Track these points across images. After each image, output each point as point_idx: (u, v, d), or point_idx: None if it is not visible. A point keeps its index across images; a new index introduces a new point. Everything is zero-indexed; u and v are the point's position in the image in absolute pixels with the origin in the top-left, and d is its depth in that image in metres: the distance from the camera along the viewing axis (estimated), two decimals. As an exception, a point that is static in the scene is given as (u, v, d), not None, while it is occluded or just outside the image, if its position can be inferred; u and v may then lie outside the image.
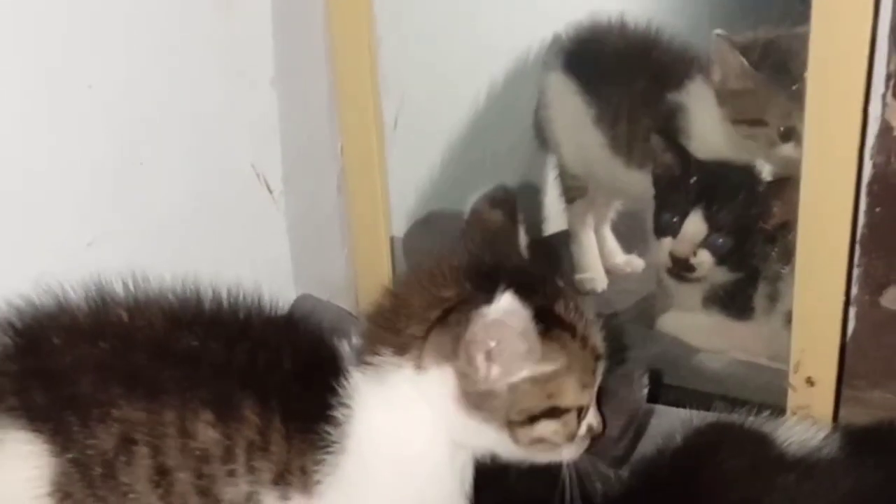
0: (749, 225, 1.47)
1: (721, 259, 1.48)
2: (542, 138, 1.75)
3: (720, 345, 1.48)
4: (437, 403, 0.91)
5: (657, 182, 1.53)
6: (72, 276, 1.14)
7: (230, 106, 1.39)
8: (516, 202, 1.02)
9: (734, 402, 1.24)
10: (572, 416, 0.93)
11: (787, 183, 1.37)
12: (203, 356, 0.92)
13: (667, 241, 1.50)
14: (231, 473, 0.89)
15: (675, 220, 1.49)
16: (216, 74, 1.37)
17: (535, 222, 1.83)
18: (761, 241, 1.47)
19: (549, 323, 0.89)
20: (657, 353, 1.46)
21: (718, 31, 1.45)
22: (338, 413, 0.92)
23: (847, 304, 1.22)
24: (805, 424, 1.14)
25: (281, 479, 0.91)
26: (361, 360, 0.94)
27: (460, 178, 1.72)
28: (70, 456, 0.88)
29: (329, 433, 0.91)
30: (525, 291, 0.87)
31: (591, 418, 0.95)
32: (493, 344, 0.88)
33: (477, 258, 0.95)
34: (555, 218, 1.83)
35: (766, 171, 1.48)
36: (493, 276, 0.90)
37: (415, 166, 1.60)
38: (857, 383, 1.29)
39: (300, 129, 1.46)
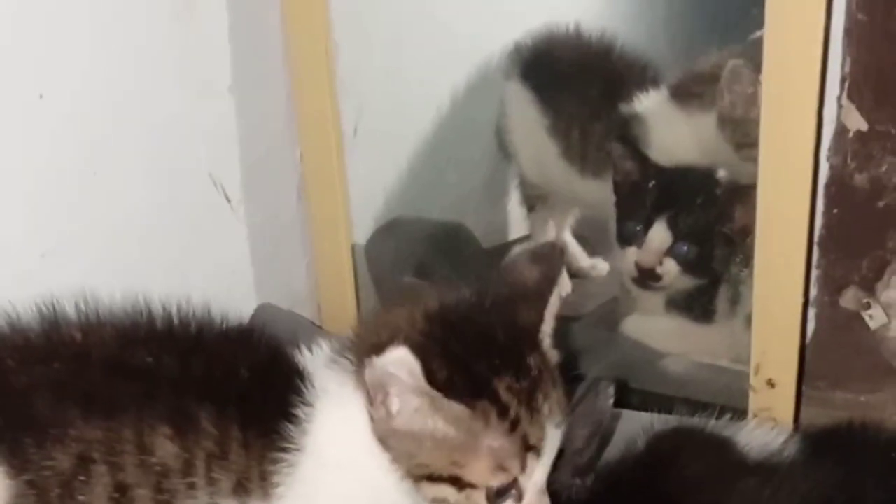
0: (712, 231, 1.47)
1: (686, 267, 1.48)
2: (504, 146, 1.76)
3: (682, 348, 1.49)
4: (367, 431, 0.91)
5: (618, 189, 1.53)
6: (25, 289, 1.14)
7: (187, 114, 1.37)
8: (561, 264, 0.97)
9: (696, 406, 1.25)
10: (478, 494, 0.89)
11: (748, 188, 1.38)
12: (158, 371, 0.91)
13: (632, 251, 1.50)
14: (191, 486, 0.89)
15: (638, 228, 1.49)
16: (173, 82, 1.35)
17: (496, 228, 1.83)
18: (723, 246, 1.47)
19: (479, 394, 0.86)
20: (620, 357, 1.46)
21: (736, 60, 1.43)
22: (299, 412, 0.91)
23: (806, 305, 1.23)
24: (765, 428, 1.14)
25: (240, 488, 0.90)
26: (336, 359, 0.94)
27: (423, 185, 1.71)
28: (26, 478, 0.87)
29: (289, 431, 0.90)
30: (472, 354, 0.86)
31: None
32: (389, 391, 0.86)
33: (454, 307, 0.93)
34: (517, 223, 1.83)
35: (726, 176, 1.48)
36: (452, 329, 0.89)
37: (376, 173, 1.59)
38: (818, 384, 1.30)
39: (259, 137, 1.45)
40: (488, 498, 0.89)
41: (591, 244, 1.80)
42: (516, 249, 0.98)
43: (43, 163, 1.20)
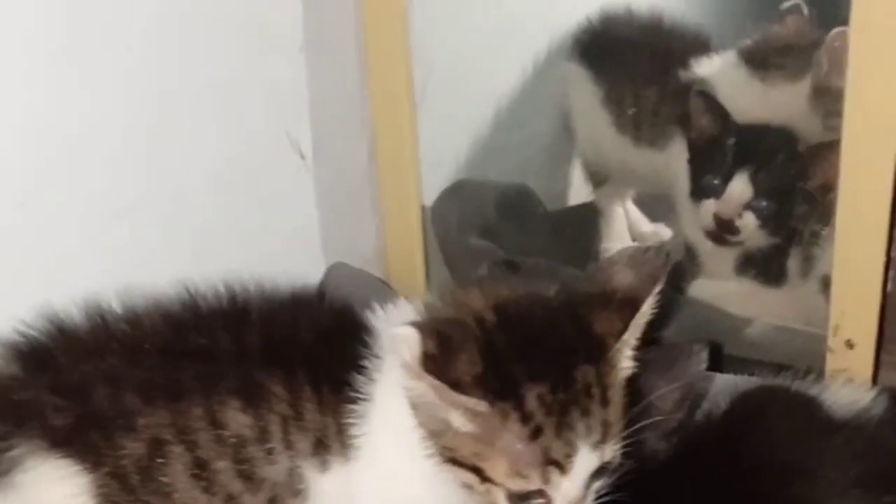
0: (792, 189, 1.46)
1: (764, 222, 1.48)
2: (567, 127, 1.77)
3: (753, 311, 1.47)
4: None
5: (692, 145, 1.52)
6: (102, 245, 1.15)
7: (259, 73, 1.38)
8: (665, 272, 0.90)
9: (771, 367, 1.24)
10: (498, 491, 0.86)
11: (830, 146, 1.36)
12: (215, 350, 0.92)
13: (709, 203, 1.50)
14: (270, 452, 0.90)
15: (716, 181, 1.49)
16: (245, 40, 1.36)
17: (559, 193, 1.83)
18: (802, 204, 1.46)
19: (504, 395, 0.83)
20: (690, 320, 1.45)
21: (841, 28, 1.38)
22: (367, 363, 0.92)
23: (887, 265, 1.22)
24: (850, 387, 1.13)
25: (320, 446, 0.91)
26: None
27: (488, 148, 1.71)
28: (105, 470, 0.89)
29: (359, 383, 0.91)
30: (515, 354, 0.84)
31: None
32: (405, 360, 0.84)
33: (522, 301, 0.90)
34: (578, 188, 1.83)
35: (806, 134, 1.48)
36: (508, 324, 0.87)
37: (442, 136, 1.59)
38: (894, 347, 1.29)
39: (330, 97, 1.45)
40: (510, 499, 0.87)
41: (653, 210, 1.80)
42: (618, 248, 0.91)
43: (126, 115, 1.22)
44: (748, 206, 1.47)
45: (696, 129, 1.51)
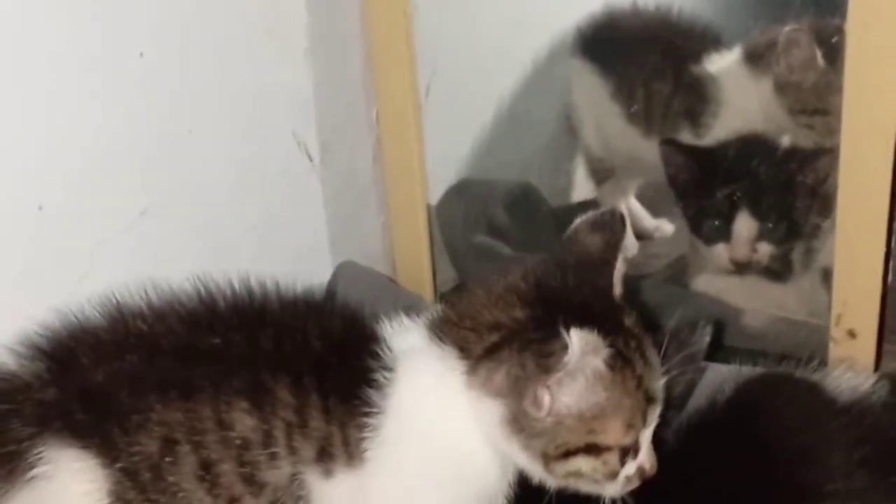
0: (791, 195, 1.45)
1: (779, 243, 1.47)
2: (571, 125, 1.79)
3: (757, 304, 1.49)
4: (478, 418, 0.91)
5: (675, 184, 1.52)
6: (128, 245, 1.17)
7: (268, 76, 1.40)
8: (623, 230, 0.96)
9: (775, 358, 1.25)
10: (612, 455, 0.90)
11: (825, 151, 1.38)
12: (228, 350, 0.93)
13: (721, 248, 1.48)
14: (272, 457, 0.91)
15: (718, 223, 1.47)
16: (252, 45, 1.38)
17: (561, 190, 1.85)
18: (805, 209, 1.46)
19: (614, 357, 0.87)
20: (694, 313, 1.47)
21: (793, 26, 1.44)
22: (379, 376, 0.92)
23: (888, 255, 1.24)
24: (852, 373, 1.15)
25: (324, 454, 0.91)
26: (429, 336, 0.94)
27: (492, 147, 1.73)
28: (119, 465, 0.90)
29: (370, 396, 0.91)
30: (589, 326, 0.86)
31: (644, 459, 0.92)
32: (562, 384, 0.87)
33: (543, 283, 0.92)
34: (582, 185, 1.85)
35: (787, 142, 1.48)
36: (556, 305, 0.89)
37: (447, 135, 1.61)
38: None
39: (336, 98, 1.47)
40: (621, 460, 0.90)
41: (656, 205, 1.81)
42: (577, 220, 0.96)
43: (142, 120, 1.23)
44: (759, 238, 1.46)
45: (675, 178, 1.51)
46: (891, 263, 1.30)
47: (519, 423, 0.89)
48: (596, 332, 0.85)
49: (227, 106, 1.36)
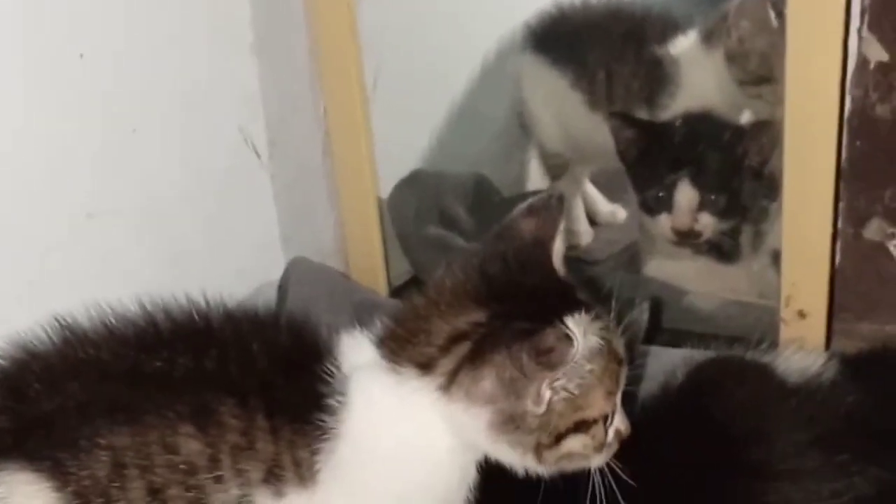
0: (734, 171, 1.48)
1: (721, 214, 1.49)
2: (522, 122, 1.79)
3: (708, 287, 1.50)
4: (458, 429, 0.90)
5: (625, 158, 1.54)
6: (76, 249, 1.15)
7: (213, 72, 1.39)
8: (561, 209, 0.94)
9: (726, 340, 1.27)
10: (599, 427, 0.90)
11: (767, 125, 1.39)
12: (173, 373, 0.92)
13: (663, 218, 1.51)
14: (218, 480, 0.89)
15: (661, 194, 1.50)
16: (196, 41, 1.37)
17: (515, 181, 1.85)
18: (750, 182, 1.48)
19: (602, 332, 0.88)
20: (647, 298, 1.48)
21: None
22: (332, 401, 0.90)
23: (835, 236, 1.25)
24: (802, 353, 1.16)
25: (272, 476, 0.90)
26: (381, 355, 0.92)
27: (442, 139, 1.73)
28: (71, 489, 0.89)
29: (323, 420, 0.90)
30: (554, 305, 0.86)
31: (619, 422, 0.93)
32: (569, 376, 0.87)
33: (489, 278, 0.91)
34: (535, 175, 1.85)
35: (733, 109, 1.50)
36: (511, 297, 0.89)
37: (397, 128, 1.60)
38: (845, 316, 1.32)
39: (282, 93, 1.46)
40: (605, 424, 0.91)
41: (610, 191, 1.82)
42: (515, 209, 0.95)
43: (85, 122, 1.22)
44: (701, 208, 1.48)
45: (623, 149, 1.53)
46: (838, 244, 1.32)
47: (513, 423, 0.88)
48: (580, 312, 0.85)
49: (172, 104, 1.34)
